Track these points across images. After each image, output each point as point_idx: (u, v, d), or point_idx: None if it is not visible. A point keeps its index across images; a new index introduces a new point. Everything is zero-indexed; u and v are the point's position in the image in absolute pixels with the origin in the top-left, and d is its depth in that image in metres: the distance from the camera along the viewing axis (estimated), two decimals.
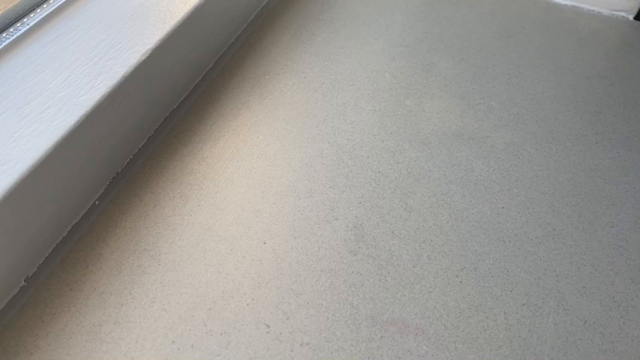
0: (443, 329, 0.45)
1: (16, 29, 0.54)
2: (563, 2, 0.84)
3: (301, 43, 0.74)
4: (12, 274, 0.44)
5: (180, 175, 0.56)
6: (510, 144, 0.61)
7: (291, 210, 0.53)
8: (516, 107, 0.65)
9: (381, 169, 0.58)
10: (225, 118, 0.63)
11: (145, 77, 0.55)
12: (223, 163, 0.58)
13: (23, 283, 0.46)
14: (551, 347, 0.44)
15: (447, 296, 0.47)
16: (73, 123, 0.46)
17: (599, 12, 0.82)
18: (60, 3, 0.58)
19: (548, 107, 0.65)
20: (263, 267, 0.49)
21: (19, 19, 0.55)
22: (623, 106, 0.66)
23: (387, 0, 0.83)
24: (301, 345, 0.44)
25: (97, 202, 0.53)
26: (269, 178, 0.56)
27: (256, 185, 0.56)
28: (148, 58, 0.54)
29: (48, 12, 0.56)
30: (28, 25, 0.55)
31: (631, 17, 0.81)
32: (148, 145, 0.59)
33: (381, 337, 0.44)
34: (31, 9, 0.56)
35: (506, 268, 0.49)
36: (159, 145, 0.60)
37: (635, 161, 0.59)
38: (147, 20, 0.57)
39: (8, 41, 0.52)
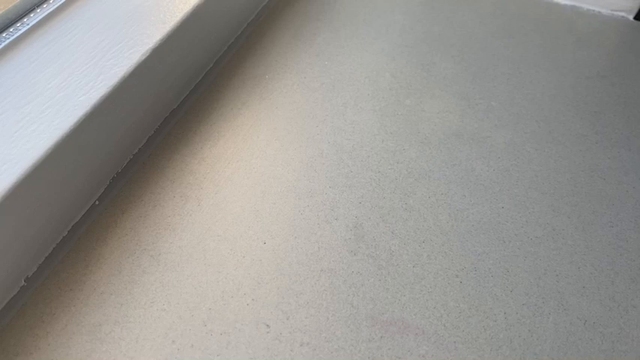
0: (443, 329, 0.45)
1: (16, 29, 0.54)
2: (563, 2, 0.84)
3: (301, 43, 0.74)
4: (12, 274, 0.44)
5: (180, 175, 0.56)
6: (510, 144, 0.61)
7: (291, 210, 0.53)
8: (516, 107, 0.65)
9: (381, 169, 0.58)
10: (225, 118, 0.63)
11: (145, 77, 0.55)
12: (223, 163, 0.58)
13: (23, 283, 0.46)
14: (551, 347, 0.44)
15: (447, 296, 0.47)
16: (73, 123, 0.46)
17: (599, 12, 0.82)
18: (60, 3, 0.58)
19: (548, 107, 0.65)
20: (263, 267, 0.49)
21: (19, 19, 0.55)
22: (623, 106, 0.66)
23: (387, 0, 0.83)
24: (301, 345, 0.44)
25: (97, 202, 0.53)
26: (269, 178, 0.56)
27: (256, 185, 0.56)
28: (147, 58, 0.54)
29: (48, 12, 0.56)
30: (28, 25, 0.55)
31: (631, 17, 0.81)
32: (148, 145, 0.59)
33: (381, 337, 0.44)
34: (31, 9, 0.57)
35: (506, 268, 0.49)
36: (159, 145, 0.60)
37: (635, 161, 0.59)
38: (147, 20, 0.57)
39: (8, 41, 0.52)
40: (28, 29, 0.54)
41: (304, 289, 0.47)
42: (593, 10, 0.82)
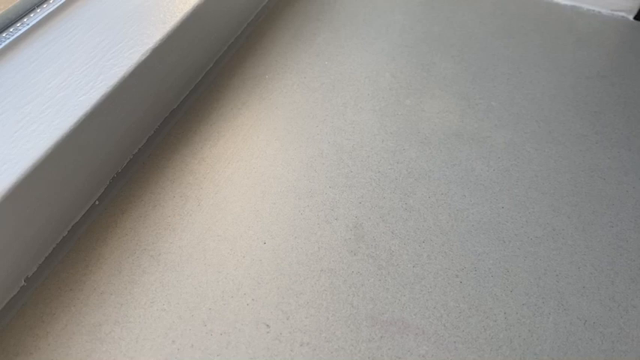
0: (443, 329, 0.45)
1: (16, 29, 0.54)
2: (563, 2, 0.84)
3: (301, 43, 0.74)
4: (12, 274, 0.44)
5: (180, 175, 0.56)
6: (510, 144, 0.61)
7: (291, 210, 0.53)
8: (516, 107, 0.65)
9: (381, 169, 0.58)
10: (225, 118, 0.63)
11: (145, 77, 0.55)
12: (223, 163, 0.58)
13: (23, 283, 0.46)
14: (551, 347, 0.44)
15: (447, 296, 0.47)
16: (73, 123, 0.46)
17: (599, 12, 0.82)
18: (60, 3, 0.58)
19: (548, 107, 0.65)
20: (263, 267, 0.49)
21: (19, 19, 0.55)
22: (623, 106, 0.66)
23: (387, 0, 0.83)
24: (301, 345, 0.44)
25: (97, 202, 0.53)
26: (269, 178, 0.56)
27: (256, 185, 0.56)
28: (147, 58, 0.54)
29: (48, 12, 0.56)
30: (28, 25, 0.55)
31: (631, 17, 0.81)
32: (148, 145, 0.59)
33: (381, 337, 0.44)
34: (31, 9, 0.57)
35: (506, 268, 0.49)
36: (159, 145, 0.60)
37: (635, 161, 0.59)
38: (147, 20, 0.57)
39: (8, 41, 0.52)
40: (28, 29, 0.54)
41: (304, 289, 0.47)
42: (593, 10, 0.82)
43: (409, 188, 0.56)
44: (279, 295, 0.47)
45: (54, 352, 0.43)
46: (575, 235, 0.52)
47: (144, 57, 0.53)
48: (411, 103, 0.66)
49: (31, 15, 0.56)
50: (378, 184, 0.56)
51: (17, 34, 0.53)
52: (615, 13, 0.82)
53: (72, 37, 0.54)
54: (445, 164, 0.58)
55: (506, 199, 0.55)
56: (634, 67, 0.71)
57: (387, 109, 0.65)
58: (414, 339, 0.44)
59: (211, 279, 0.48)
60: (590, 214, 0.54)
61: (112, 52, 0.53)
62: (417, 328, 0.45)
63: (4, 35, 0.53)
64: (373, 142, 0.61)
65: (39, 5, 0.57)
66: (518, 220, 0.53)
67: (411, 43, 0.75)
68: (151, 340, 0.44)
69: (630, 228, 0.52)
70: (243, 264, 0.49)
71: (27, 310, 0.45)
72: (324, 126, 0.62)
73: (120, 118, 0.53)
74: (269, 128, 0.62)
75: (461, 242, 0.51)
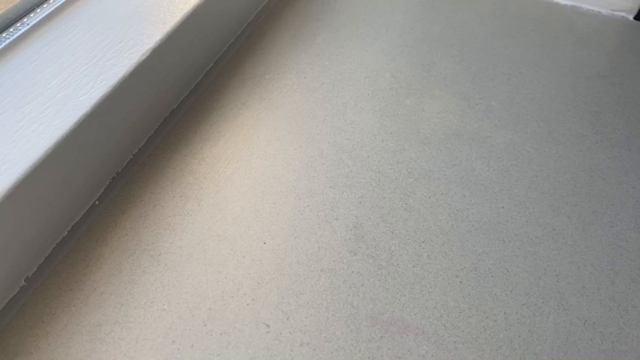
0: (443, 329, 0.45)
1: (16, 29, 0.54)
2: (563, 2, 0.84)
3: (301, 43, 0.74)
4: (12, 274, 0.44)
5: (180, 175, 0.56)
6: (510, 144, 0.61)
7: (291, 210, 0.53)
8: (516, 107, 0.65)
9: (381, 169, 0.58)
10: (225, 118, 0.63)
11: (145, 77, 0.55)
12: (223, 163, 0.58)
13: (23, 283, 0.46)
14: (551, 347, 0.44)
15: (447, 296, 0.47)
16: (73, 123, 0.46)
17: (599, 12, 0.82)
18: (60, 3, 0.58)
19: (548, 107, 0.65)
20: (263, 267, 0.49)
21: (19, 19, 0.55)
22: (623, 106, 0.66)
23: (387, 0, 0.83)
24: (301, 345, 0.44)
25: (97, 202, 0.53)
26: (269, 178, 0.56)
27: (256, 185, 0.56)
28: (147, 58, 0.54)
29: (48, 12, 0.56)
30: (28, 25, 0.55)
31: (631, 17, 0.81)
32: (148, 145, 0.59)
33: (381, 337, 0.44)
34: (31, 9, 0.57)
35: (506, 268, 0.49)
36: (159, 145, 0.60)
37: (635, 161, 0.59)
38: (147, 20, 0.57)
39: (8, 41, 0.52)
40: (28, 29, 0.54)
41: (304, 289, 0.47)
42: (593, 10, 0.82)
43: (409, 188, 0.56)
44: (279, 295, 0.47)
45: (54, 352, 0.43)
46: (575, 235, 0.52)
47: (144, 57, 0.53)
48: (411, 103, 0.66)
49: (31, 15, 0.56)
50: (378, 184, 0.56)
51: (17, 34, 0.53)
52: (615, 13, 0.82)
53: (72, 37, 0.54)
54: (445, 164, 0.58)
55: (506, 199, 0.55)
56: (634, 67, 0.71)
57: (387, 109, 0.65)
58: (414, 339, 0.44)
59: (211, 279, 0.48)
60: (590, 214, 0.54)
61: (112, 52, 0.53)
62: (417, 328, 0.45)
63: (4, 35, 0.53)
64: (373, 142, 0.61)
65: (39, 5, 0.57)
66: (518, 220, 0.53)
67: (411, 43, 0.75)
68: (151, 340, 0.44)
69: (630, 228, 0.52)
70: (243, 264, 0.49)
71: (27, 310, 0.45)
72: (324, 126, 0.62)
73: (120, 118, 0.53)
74: (269, 128, 0.62)
75: (461, 242, 0.51)
